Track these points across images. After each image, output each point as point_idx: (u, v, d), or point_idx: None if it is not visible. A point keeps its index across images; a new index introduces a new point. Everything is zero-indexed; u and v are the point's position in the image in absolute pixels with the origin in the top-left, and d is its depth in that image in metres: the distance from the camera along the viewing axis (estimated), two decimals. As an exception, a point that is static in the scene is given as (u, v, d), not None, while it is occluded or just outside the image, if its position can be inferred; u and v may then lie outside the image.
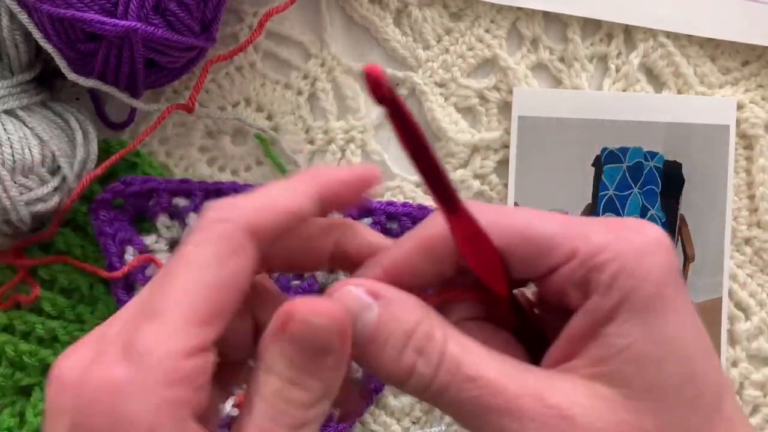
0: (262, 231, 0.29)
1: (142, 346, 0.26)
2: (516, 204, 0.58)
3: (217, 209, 0.29)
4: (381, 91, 0.25)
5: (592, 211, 0.58)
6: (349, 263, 0.33)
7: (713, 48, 0.60)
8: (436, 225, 0.31)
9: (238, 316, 0.29)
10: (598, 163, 0.58)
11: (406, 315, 0.29)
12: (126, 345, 0.26)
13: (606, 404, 0.28)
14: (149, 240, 0.55)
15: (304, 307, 0.27)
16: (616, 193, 0.58)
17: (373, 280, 0.30)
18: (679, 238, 0.59)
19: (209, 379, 0.27)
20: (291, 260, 0.32)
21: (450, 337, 0.29)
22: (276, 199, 0.29)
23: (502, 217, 0.30)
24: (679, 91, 0.59)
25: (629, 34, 0.59)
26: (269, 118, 0.58)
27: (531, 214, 0.31)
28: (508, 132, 0.58)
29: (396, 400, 0.58)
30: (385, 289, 0.29)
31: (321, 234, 0.32)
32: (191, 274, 0.27)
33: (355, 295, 0.29)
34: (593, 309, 0.29)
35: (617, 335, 0.28)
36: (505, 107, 0.59)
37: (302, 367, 0.28)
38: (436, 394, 0.28)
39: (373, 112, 0.58)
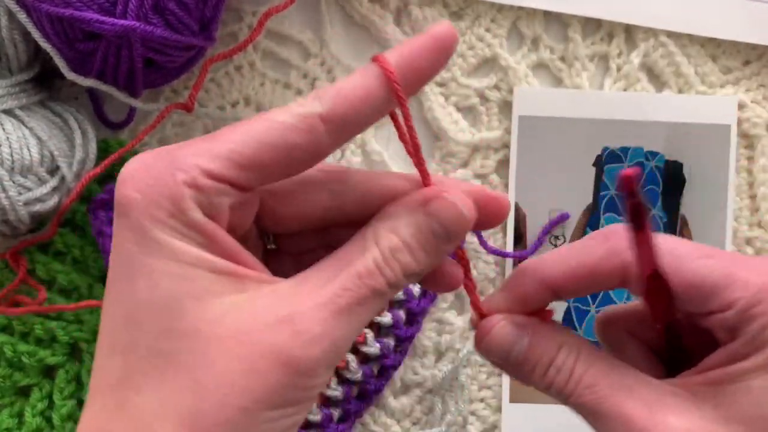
0: (334, 116, 0.31)
1: (183, 151, 0.30)
2: (516, 204, 0.58)
3: (315, 91, 0.31)
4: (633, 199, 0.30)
5: (592, 211, 0.58)
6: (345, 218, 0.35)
7: (714, 47, 0.59)
8: (603, 248, 0.35)
9: (303, 191, 0.34)
10: (599, 163, 0.58)
11: (549, 343, 0.35)
12: (175, 147, 0.30)
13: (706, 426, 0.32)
14: (148, 240, 0.55)
15: (456, 195, 0.32)
16: (617, 193, 0.58)
17: (521, 316, 0.35)
18: (681, 238, 0.59)
19: (226, 209, 0.30)
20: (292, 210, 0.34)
21: (581, 356, 0.35)
22: (346, 88, 0.31)
23: (668, 254, 0.33)
24: (680, 91, 0.59)
25: (630, 33, 0.59)
26: (269, 117, 0.58)
27: (697, 254, 0.34)
28: (508, 131, 0.58)
29: (396, 401, 0.57)
30: (531, 323, 0.35)
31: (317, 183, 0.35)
32: (253, 127, 0.30)
33: (508, 330, 0.35)
34: (734, 352, 0.32)
35: (747, 387, 0.32)
36: (506, 107, 0.58)
37: (424, 240, 0.31)
38: (566, 398, 0.34)
39: (373, 112, 0.58)
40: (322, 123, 0.30)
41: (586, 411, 0.34)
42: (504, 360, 0.35)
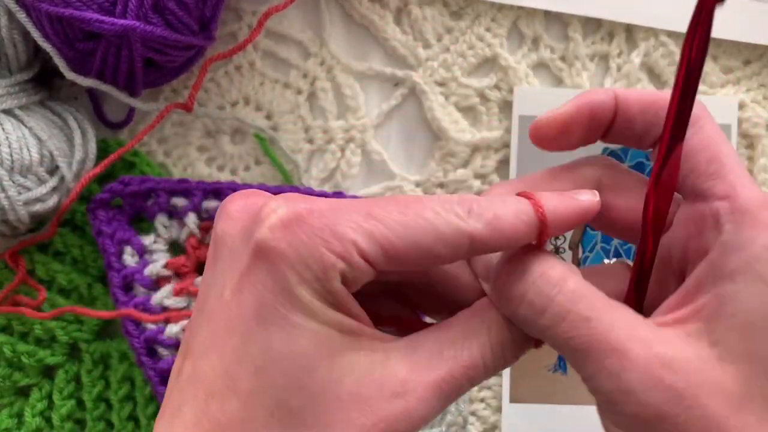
0: (483, 242, 0.32)
1: (342, 219, 0.30)
2: (516, 204, 0.58)
3: (468, 201, 0.32)
4: None
5: (593, 210, 0.58)
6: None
7: (715, 47, 0.59)
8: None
9: (451, 267, 0.34)
10: (599, 163, 0.58)
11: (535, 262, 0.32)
12: (333, 205, 0.31)
13: (703, 361, 0.30)
14: (147, 240, 0.55)
15: None
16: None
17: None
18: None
19: (361, 283, 0.30)
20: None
21: (572, 274, 0.31)
22: (504, 219, 0.32)
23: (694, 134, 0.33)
24: (681, 91, 0.59)
25: (630, 32, 0.59)
26: (268, 117, 0.58)
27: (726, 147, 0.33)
28: (508, 131, 0.58)
29: (396, 401, 0.57)
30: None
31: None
32: (416, 222, 0.30)
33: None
34: (718, 263, 0.31)
35: (733, 299, 0.30)
36: (506, 106, 0.58)
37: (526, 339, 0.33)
38: (547, 325, 0.31)
39: (373, 112, 0.58)
40: (469, 242, 0.31)
41: (575, 344, 0.31)
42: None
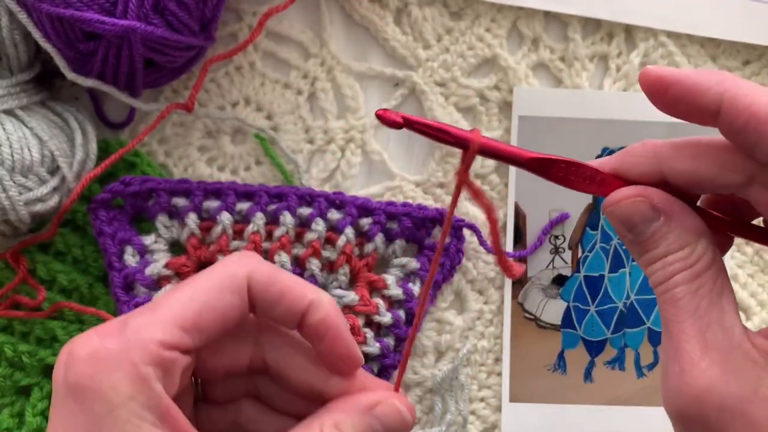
0: (257, 288, 0.35)
1: (134, 326, 0.32)
2: (516, 204, 0.58)
3: (239, 254, 0.36)
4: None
5: (592, 211, 0.58)
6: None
7: (714, 47, 0.60)
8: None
9: (232, 342, 0.36)
10: (598, 163, 0.58)
11: (680, 236, 0.33)
12: (122, 324, 0.33)
13: (747, 401, 0.31)
14: (148, 240, 0.55)
15: (400, 401, 0.37)
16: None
17: (658, 193, 0.34)
18: None
19: (179, 375, 0.33)
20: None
21: (709, 268, 0.33)
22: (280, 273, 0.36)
23: None
24: (680, 91, 0.59)
25: (630, 33, 0.59)
26: (269, 117, 0.58)
27: None
28: (508, 131, 0.58)
29: (396, 401, 0.57)
30: (669, 203, 0.34)
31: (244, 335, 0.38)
32: (192, 292, 0.34)
33: (636, 209, 0.34)
34: None
35: None
36: (506, 107, 0.59)
37: None
38: (658, 293, 0.33)
39: (372, 112, 0.58)
40: (246, 282, 0.35)
41: (662, 316, 0.33)
42: (621, 234, 0.35)
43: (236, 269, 0.35)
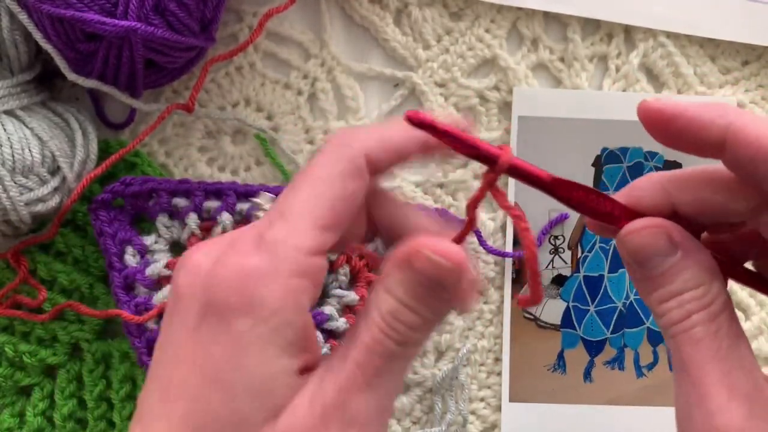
0: (376, 161, 0.32)
1: (274, 239, 0.30)
2: (516, 204, 0.58)
3: (342, 136, 0.33)
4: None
5: (592, 211, 0.58)
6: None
7: (713, 48, 0.60)
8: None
9: (354, 225, 0.33)
10: (598, 163, 0.58)
11: (696, 274, 0.32)
12: (258, 238, 0.30)
13: None
14: (149, 240, 0.55)
15: (430, 246, 0.31)
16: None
17: (675, 227, 0.32)
18: None
19: (323, 278, 0.31)
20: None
21: (712, 305, 0.31)
22: (391, 136, 0.33)
23: None
24: (679, 91, 0.59)
25: (629, 33, 0.59)
26: (269, 118, 0.58)
27: None
28: (508, 132, 0.58)
29: (396, 401, 0.58)
30: (686, 239, 0.32)
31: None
32: (319, 187, 0.31)
33: (654, 239, 0.32)
34: None
35: None
36: (505, 107, 0.59)
37: (418, 295, 0.31)
38: (668, 336, 0.32)
39: (373, 112, 0.58)
40: (366, 164, 0.32)
41: (676, 356, 0.32)
42: (633, 268, 0.33)
43: (351, 151, 0.32)
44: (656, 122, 0.32)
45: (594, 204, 0.33)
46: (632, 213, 0.33)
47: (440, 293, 0.32)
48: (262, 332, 0.29)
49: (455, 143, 0.32)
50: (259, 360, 0.29)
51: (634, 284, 0.34)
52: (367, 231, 0.35)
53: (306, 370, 0.31)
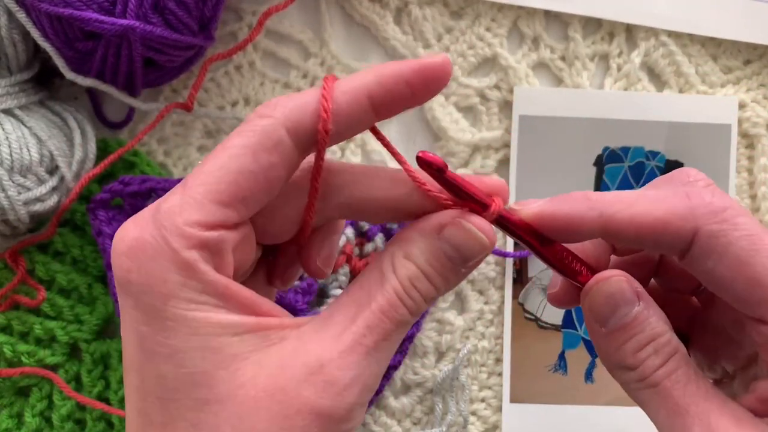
0: (303, 129, 0.30)
1: (166, 211, 0.29)
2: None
3: (264, 107, 0.31)
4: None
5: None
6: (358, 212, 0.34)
7: (715, 47, 0.59)
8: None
9: (283, 203, 0.32)
10: (599, 163, 0.58)
11: (659, 322, 0.32)
12: (155, 210, 0.30)
13: None
14: (148, 240, 0.54)
15: (473, 220, 0.31)
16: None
17: (634, 280, 0.33)
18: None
19: (230, 253, 0.30)
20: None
21: (681, 348, 0.32)
22: (313, 100, 0.30)
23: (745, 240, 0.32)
24: (681, 91, 0.59)
25: (630, 32, 0.59)
26: (269, 117, 0.58)
27: None
28: (508, 131, 0.58)
29: (396, 401, 0.57)
30: (645, 293, 0.33)
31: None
32: (222, 159, 0.30)
33: (622, 287, 0.32)
34: None
35: None
36: (506, 106, 0.58)
37: (440, 266, 0.31)
38: (648, 385, 0.32)
39: (373, 112, 0.58)
40: (288, 135, 0.30)
41: (664, 404, 0.31)
42: (602, 319, 0.32)
43: (270, 122, 0.30)
44: (612, 236, 0.33)
45: (570, 262, 0.33)
46: (593, 269, 0.34)
47: (460, 267, 0.31)
48: (176, 305, 0.29)
49: (456, 189, 0.32)
50: (175, 323, 0.29)
51: (599, 343, 0.33)
52: (321, 210, 0.33)
53: (256, 324, 0.30)
